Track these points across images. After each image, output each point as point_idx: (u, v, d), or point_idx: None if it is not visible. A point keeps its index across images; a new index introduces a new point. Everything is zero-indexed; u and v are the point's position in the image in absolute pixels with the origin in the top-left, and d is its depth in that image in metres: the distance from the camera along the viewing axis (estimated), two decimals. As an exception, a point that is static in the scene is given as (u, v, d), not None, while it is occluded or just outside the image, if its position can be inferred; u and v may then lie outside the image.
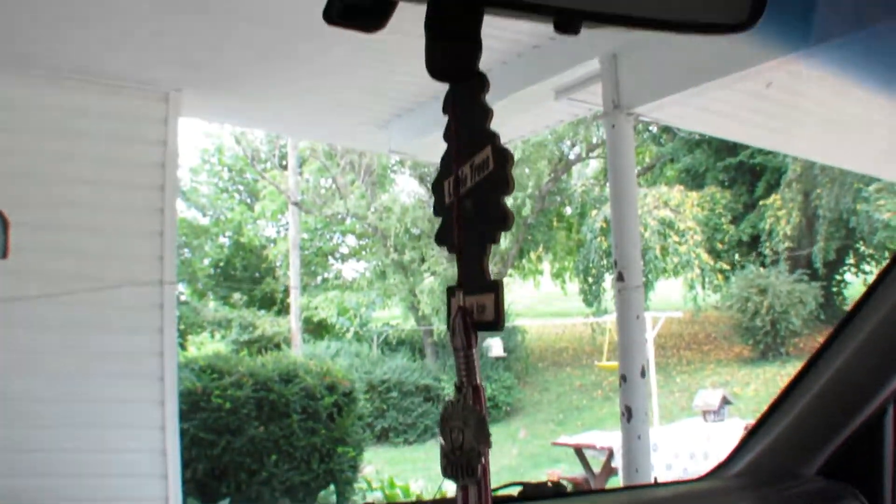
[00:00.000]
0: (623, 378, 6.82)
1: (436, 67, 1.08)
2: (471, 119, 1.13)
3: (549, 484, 2.29)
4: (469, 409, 1.12)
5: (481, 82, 1.11)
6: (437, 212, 1.19)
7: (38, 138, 7.50)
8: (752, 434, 2.65)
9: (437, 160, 1.18)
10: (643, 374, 6.84)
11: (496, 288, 1.09)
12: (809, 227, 24.59)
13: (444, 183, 1.17)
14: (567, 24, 1.05)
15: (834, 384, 2.50)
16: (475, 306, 1.13)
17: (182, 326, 24.43)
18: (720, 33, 1.12)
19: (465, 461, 1.12)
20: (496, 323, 1.09)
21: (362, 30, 1.05)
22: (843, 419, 2.52)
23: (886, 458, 2.54)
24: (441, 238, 1.18)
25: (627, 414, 6.79)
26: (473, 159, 1.12)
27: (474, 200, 1.13)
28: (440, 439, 1.16)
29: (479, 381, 1.12)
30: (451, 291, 1.16)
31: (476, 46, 1.08)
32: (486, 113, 1.11)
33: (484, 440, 1.11)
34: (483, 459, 1.11)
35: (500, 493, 1.76)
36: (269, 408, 12.71)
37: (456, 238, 1.15)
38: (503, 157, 1.09)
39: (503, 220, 1.09)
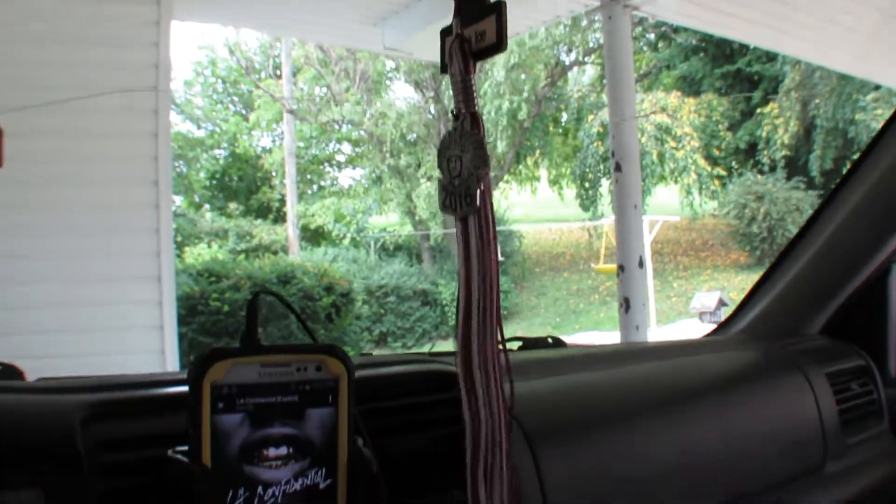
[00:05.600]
0: (621, 268, 6.83)
1: None
2: None
3: (549, 339, 2.29)
4: (467, 135, 1.11)
5: None
6: None
7: (26, 46, 7.41)
8: (752, 294, 2.65)
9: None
10: (641, 264, 6.84)
11: (498, 8, 1.10)
12: (807, 136, 24.54)
13: None
14: None
15: (834, 243, 2.49)
16: (474, 35, 1.13)
17: (179, 238, 24.39)
18: None
19: (463, 189, 1.11)
20: (499, 45, 1.11)
21: None
22: (844, 278, 2.51)
23: (890, 317, 2.54)
24: None
25: (626, 305, 6.80)
26: None
27: None
28: (438, 173, 1.15)
29: (476, 109, 1.11)
30: (444, 33, 1.16)
31: None
32: None
33: (482, 163, 1.10)
34: (482, 185, 1.10)
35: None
36: (267, 310, 12.73)
37: None
38: None
39: None
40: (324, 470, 1.15)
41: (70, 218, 7.55)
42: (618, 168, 6.79)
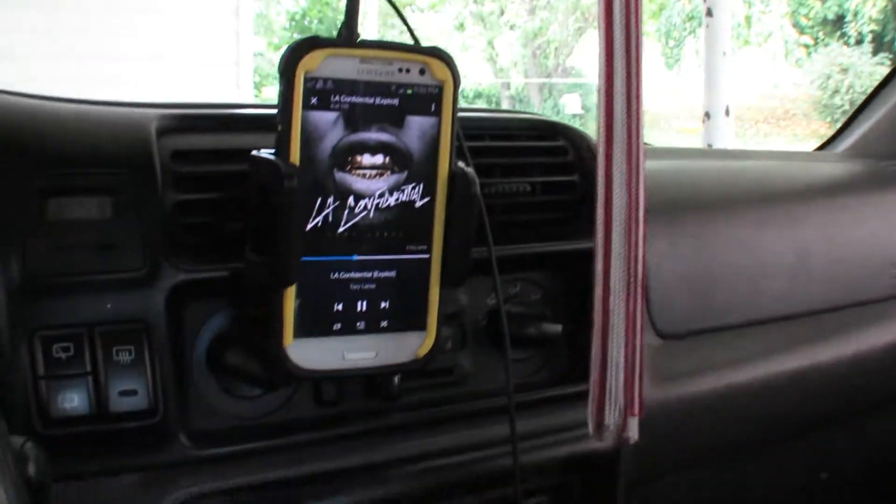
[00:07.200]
0: (707, 115, 6.74)
1: None
2: None
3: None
4: None
5: None
6: None
7: None
8: (855, 115, 2.55)
9: None
10: (727, 112, 6.73)
11: None
12: (895, 13, 24.02)
13: None
14: None
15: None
16: None
17: (256, 78, 24.50)
18: None
19: None
20: None
21: None
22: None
23: None
24: None
25: (708, 152, 6.72)
26: None
27: None
28: None
29: None
30: None
31: None
32: None
33: None
34: None
35: None
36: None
37: None
38: None
39: None
40: (422, 186, 1.06)
41: (149, 45, 7.55)
42: (709, 13, 6.65)
